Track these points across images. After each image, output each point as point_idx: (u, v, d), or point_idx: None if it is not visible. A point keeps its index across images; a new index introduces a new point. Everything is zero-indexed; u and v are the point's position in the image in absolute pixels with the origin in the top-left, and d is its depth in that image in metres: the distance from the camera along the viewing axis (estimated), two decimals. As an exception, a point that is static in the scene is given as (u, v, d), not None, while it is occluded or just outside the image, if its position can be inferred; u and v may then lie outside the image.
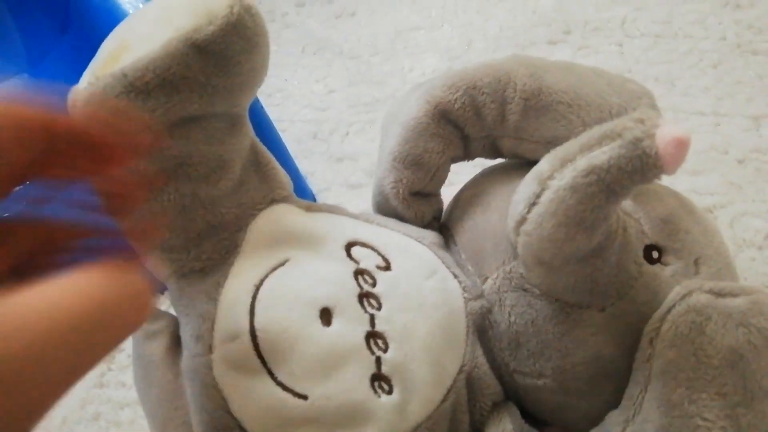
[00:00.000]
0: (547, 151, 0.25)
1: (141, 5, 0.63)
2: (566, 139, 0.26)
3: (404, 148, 0.31)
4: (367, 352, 0.25)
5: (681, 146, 0.21)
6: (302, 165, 0.58)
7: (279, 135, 0.53)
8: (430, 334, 0.27)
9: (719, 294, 0.25)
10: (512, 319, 0.28)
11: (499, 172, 0.33)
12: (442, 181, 0.33)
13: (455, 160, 0.32)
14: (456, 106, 0.30)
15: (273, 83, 0.66)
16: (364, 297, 0.26)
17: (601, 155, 0.23)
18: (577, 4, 0.67)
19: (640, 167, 0.22)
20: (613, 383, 0.27)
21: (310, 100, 0.64)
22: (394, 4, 0.72)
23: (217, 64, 0.24)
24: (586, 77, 0.31)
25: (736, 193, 0.50)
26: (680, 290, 0.26)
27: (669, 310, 0.25)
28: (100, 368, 0.44)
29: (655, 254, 0.29)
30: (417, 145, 0.30)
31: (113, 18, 0.44)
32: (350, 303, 0.26)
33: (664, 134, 0.21)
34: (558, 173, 0.24)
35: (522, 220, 0.25)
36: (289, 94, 0.65)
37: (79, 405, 0.42)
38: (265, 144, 0.30)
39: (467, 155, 0.33)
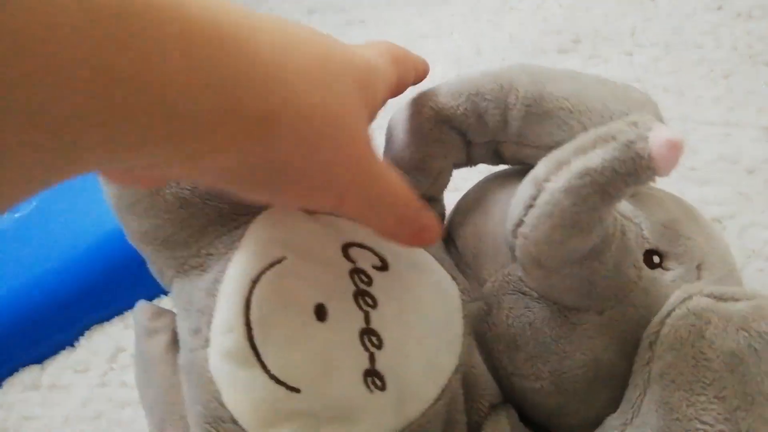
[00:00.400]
0: (549, 156, 0.25)
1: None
2: (568, 145, 0.26)
3: (406, 152, 0.31)
4: (361, 348, 0.25)
5: (674, 149, 0.21)
6: (310, 170, 0.58)
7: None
8: (426, 332, 0.27)
9: (720, 298, 0.25)
10: (510, 321, 0.28)
11: (501, 178, 0.33)
12: (443, 186, 0.33)
13: (458, 165, 0.33)
14: (459, 111, 0.30)
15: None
16: (359, 295, 0.26)
17: (595, 157, 0.23)
18: (587, 13, 0.67)
19: (633, 169, 0.22)
20: (611, 387, 0.27)
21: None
22: (404, 12, 0.73)
23: None
24: (589, 85, 0.31)
25: (745, 203, 0.50)
26: (680, 294, 0.26)
27: (669, 314, 0.25)
28: (102, 368, 0.44)
29: (656, 259, 0.29)
30: (419, 149, 0.31)
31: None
32: (345, 300, 0.26)
33: (657, 137, 0.21)
34: (553, 175, 0.24)
35: (519, 223, 0.25)
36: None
37: (81, 404, 0.42)
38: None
39: (470, 161, 0.33)
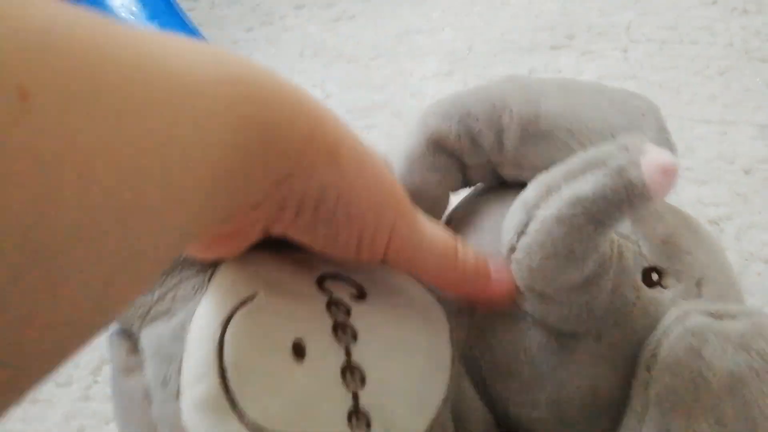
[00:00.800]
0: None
1: (134, 8, 0.62)
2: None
3: (404, 180, 0.30)
4: (343, 388, 0.24)
5: (668, 174, 0.21)
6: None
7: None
8: (411, 363, 0.26)
9: (717, 316, 0.24)
10: (504, 347, 0.27)
11: (492, 192, 0.32)
12: (442, 211, 0.32)
13: (455, 189, 0.32)
14: (451, 136, 0.29)
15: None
16: (338, 327, 0.25)
17: (585, 185, 0.22)
18: (581, 8, 0.66)
19: (626, 197, 0.21)
20: (610, 414, 0.26)
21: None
22: (395, 6, 0.71)
23: None
24: (586, 97, 0.30)
25: (743, 204, 0.49)
26: (676, 312, 0.25)
27: (665, 333, 0.25)
28: (85, 381, 0.43)
29: (654, 276, 0.28)
30: (415, 177, 0.30)
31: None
32: (323, 335, 0.24)
33: (650, 162, 0.21)
34: (543, 202, 0.23)
35: (512, 249, 0.24)
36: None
37: (63, 418, 0.41)
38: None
39: (468, 183, 0.32)
